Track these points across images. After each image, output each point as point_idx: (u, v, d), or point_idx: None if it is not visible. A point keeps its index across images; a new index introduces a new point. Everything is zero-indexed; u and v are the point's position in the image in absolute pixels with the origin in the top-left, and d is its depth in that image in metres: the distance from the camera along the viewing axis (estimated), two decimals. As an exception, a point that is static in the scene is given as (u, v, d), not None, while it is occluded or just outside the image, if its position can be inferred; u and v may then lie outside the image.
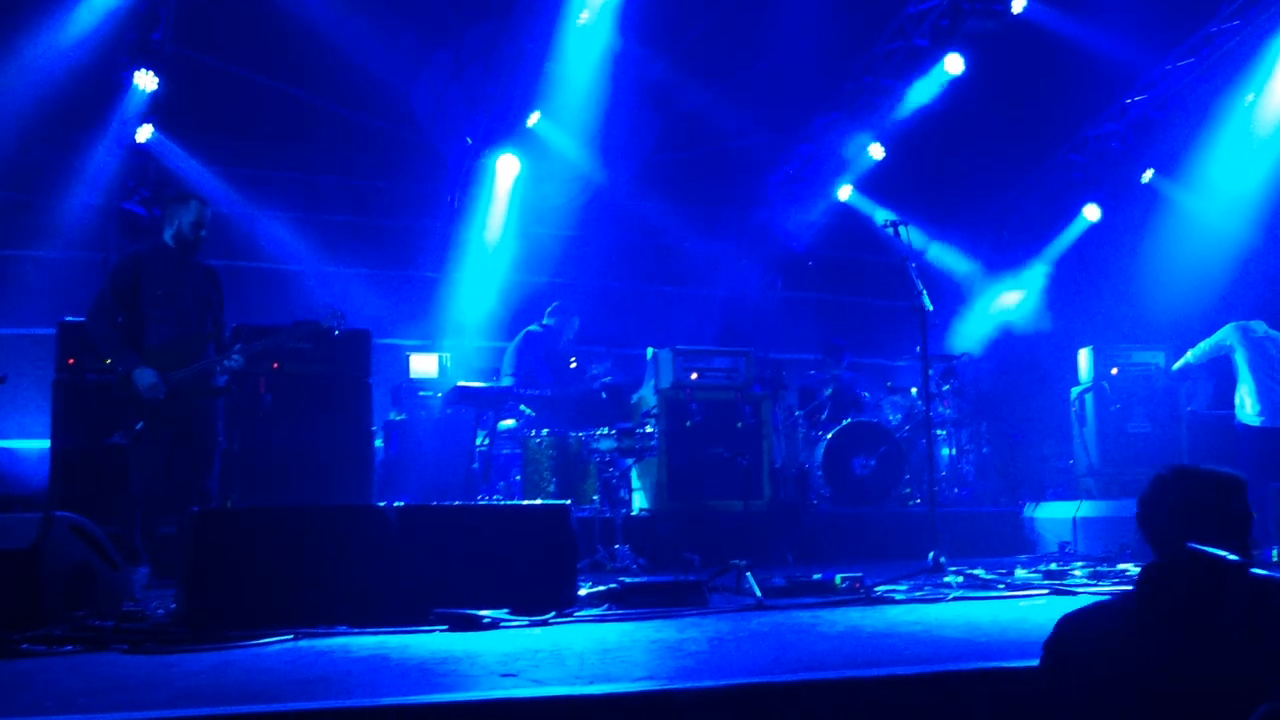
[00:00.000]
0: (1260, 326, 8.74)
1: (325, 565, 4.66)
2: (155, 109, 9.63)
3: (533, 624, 4.59)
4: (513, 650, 3.94)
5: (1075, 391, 10.04)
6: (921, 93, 11.46)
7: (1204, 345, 9.01)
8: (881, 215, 7.75)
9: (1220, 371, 9.28)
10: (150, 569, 5.88)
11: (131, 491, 5.96)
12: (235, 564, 4.54)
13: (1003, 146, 12.54)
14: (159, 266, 6.10)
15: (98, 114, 9.70)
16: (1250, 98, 11.36)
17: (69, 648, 4.02)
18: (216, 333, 6.26)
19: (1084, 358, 9.99)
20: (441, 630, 4.45)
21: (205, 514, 4.81)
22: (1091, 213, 12.73)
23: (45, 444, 7.50)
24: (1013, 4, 10.25)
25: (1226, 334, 8.82)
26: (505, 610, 4.66)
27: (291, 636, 4.23)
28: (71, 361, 7.37)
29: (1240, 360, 8.67)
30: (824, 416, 10.03)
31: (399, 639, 4.26)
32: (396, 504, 4.99)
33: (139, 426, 5.86)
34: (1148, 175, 12.25)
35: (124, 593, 4.98)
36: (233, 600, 4.45)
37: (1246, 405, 8.62)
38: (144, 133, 9.72)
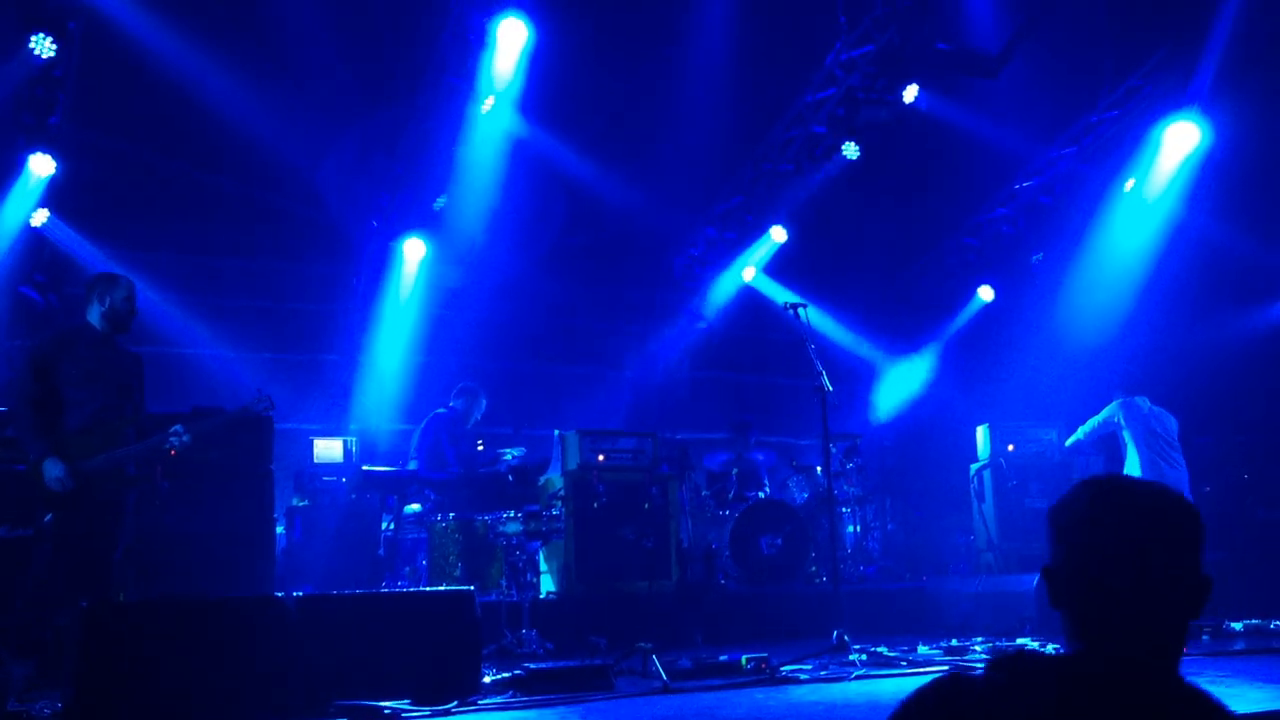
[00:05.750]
0: (1145, 403, 9.08)
1: (221, 658, 4.56)
2: (52, 192, 9.48)
3: (435, 714, 4.53)
4: (413, 742, 3.88)
5: (974, 468, 10.27)
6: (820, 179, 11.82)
7: (1093, 421, 9.32)
8: (784, 296, 7.92)
9: (1111, 447, 9.59)
10: (37, 665, 5.67)
11: (29, 584, 5.73)
12: (126, 659, 4.41)
13: (900, 230, 12.93)
14: (81, 347, 5.93)
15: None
16: (1130, 184, 11.92)
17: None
18: (135, 418, 6.07)
19: (981, 435, 10.25)
20: (341, 723, 4.37)
21: (94, 608, 4.66)
22: (986, 293, 13.15)
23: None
24: (905, 94, 10.66)
25: (1113, 411, 9.14)
26: (407, 700, 4.59)
27: (184, 734, 4.11)
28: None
29: (1127, 436, 8.99)
30: (731, 496, 10.11)
31: (296, 734, 4.17)
32: (296, 593, 4.90)
33: (47, 519, 5.65)
34: (1037, 257, 12.71)
35: (8, 691, 4.80)
36: (123, 697, 4.32)
37: (1134, 480, 8.90)
38: (39, 217, 9.55)
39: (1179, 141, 11.25)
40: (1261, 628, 8.25)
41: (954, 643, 6.99)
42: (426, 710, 4.55)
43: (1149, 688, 1.68)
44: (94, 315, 6.05)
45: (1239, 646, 7.56)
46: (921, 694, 1.77)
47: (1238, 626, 8.28)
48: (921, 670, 5.86)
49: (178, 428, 5.95)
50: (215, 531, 7.49)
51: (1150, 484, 1.86)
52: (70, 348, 5.92)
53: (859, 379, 13.61)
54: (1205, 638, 7.86)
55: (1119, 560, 1.75)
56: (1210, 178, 11.53)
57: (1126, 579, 1.73)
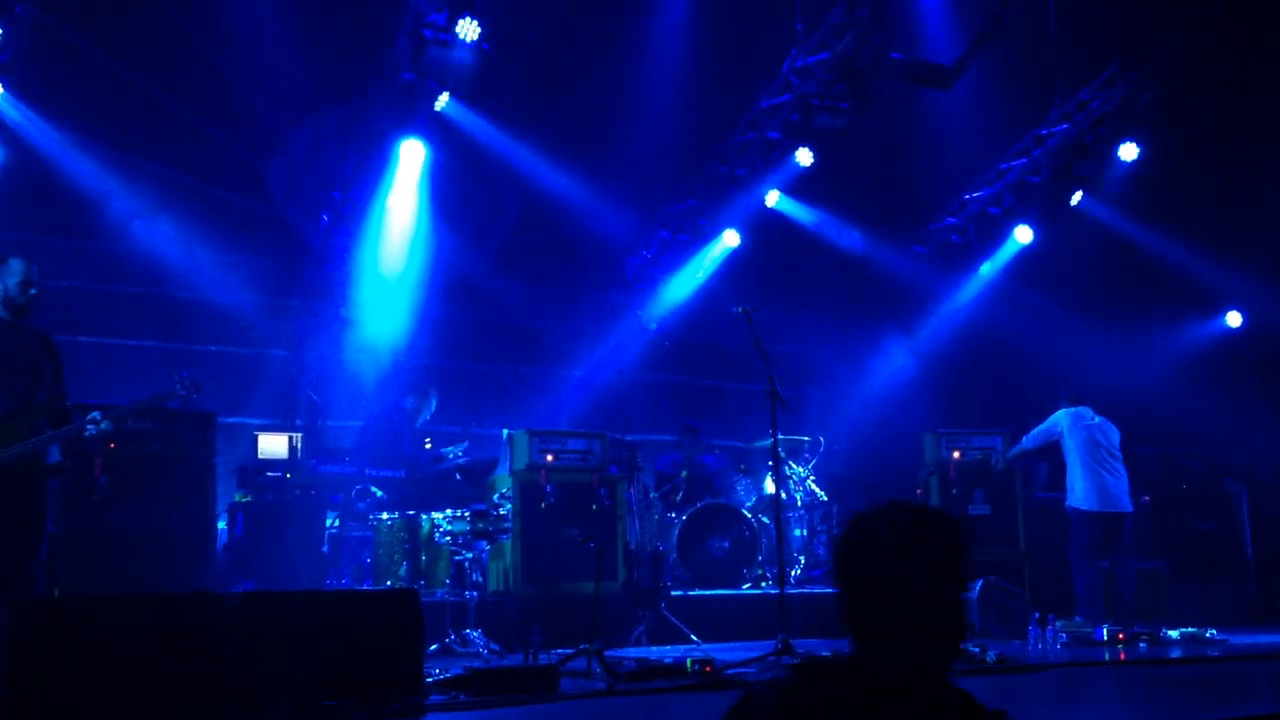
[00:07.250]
0: (1088, 413, 9.21)
1: (159, 656, 4.47)
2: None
3: (375, 715, 4.48)
4: (353, 743, 3.84)
5: (921, 475, 10.38)
6: (775, 184, 11.87)
7: (1037, 431, 9.45)
8: (736, 301, 7.94)
9: (1054, 456, 9.71)
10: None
11: None
12: (61, 657, 4.31)
13: (853, 237, 13.00)
14: None
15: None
16: (1078, 196, 12.07)
17: None
18: (50, 405, 5.88)
19: (927, 443, 10.34)
20: (280, 723, 4.31)
21: (27, 603, 4.57)
22: (935, 300, 13.25)
23: None
24: (859, 103, 10.72)
25: (1057, 420, 9.27)
26: (349, 700, 4.54)
27: (118, 733, 4.03)
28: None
29: (1070, 446, 9.11)
30: (679, 498, 10.13)
31: (234, 733, 4.11)
32: (237, 590, 4.83)
33: None
34: (984, 267, 12.85)
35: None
36: (54, 696, 4.22)
37: (1076, 489, 9.04)
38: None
39: (1122, 156, 11.46)
40: (1197, 636, 8.40)
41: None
42: (367, 711, 4.49)
43: (915, 686, 2.02)
44: None
45: (1175, 655, 7.68)
46: (740, 698, 2.11)
47: (1174, 635, 8.42)
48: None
49: (95, 415, 5.81)
50: (154, 526, 7.39)
51: (906, 507, 2.11)
52: None
53: (809, 384, 13.66)
54: (1142, 645, 7.99)
55: (867, 579, 2.09)
56: (1155, 193, 11.74)
57: (875, 595, 2.08)
